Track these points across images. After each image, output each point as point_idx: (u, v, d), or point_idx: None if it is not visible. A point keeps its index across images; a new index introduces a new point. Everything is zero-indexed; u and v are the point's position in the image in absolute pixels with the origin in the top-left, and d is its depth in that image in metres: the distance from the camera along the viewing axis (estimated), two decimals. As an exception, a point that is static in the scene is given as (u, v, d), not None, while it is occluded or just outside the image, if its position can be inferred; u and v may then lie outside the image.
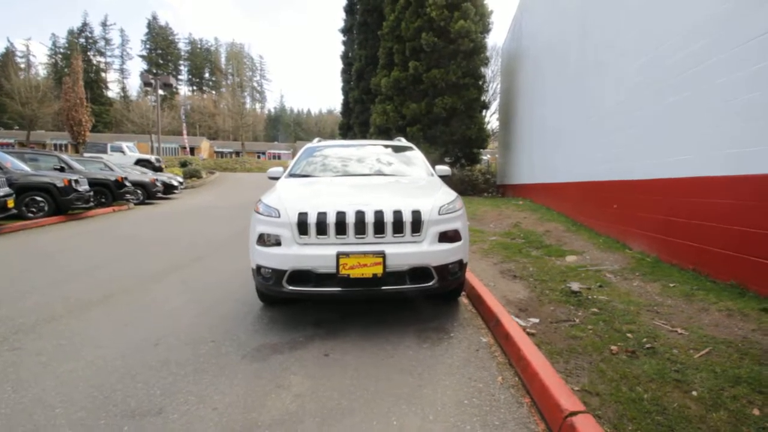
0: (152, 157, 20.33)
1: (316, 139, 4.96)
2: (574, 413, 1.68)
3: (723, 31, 3.48)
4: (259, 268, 2.89)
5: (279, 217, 2.82)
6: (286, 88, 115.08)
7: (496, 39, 35.17)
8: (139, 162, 18.97)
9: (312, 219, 2.74)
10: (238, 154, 53.01)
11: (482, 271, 4.34)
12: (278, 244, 2.80)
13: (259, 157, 56.62)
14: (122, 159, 18.52)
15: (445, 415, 1.91)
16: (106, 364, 2.41)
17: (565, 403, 1.75)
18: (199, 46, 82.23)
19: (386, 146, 4.70)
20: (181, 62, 79.07)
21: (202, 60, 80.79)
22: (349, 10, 20.00)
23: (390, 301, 3.48)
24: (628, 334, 2.65)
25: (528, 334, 2.61)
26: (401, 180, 3.77)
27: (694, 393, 1.94)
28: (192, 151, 49.63)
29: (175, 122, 47.57)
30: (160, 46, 74.32)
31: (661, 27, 4.45)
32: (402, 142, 4.97)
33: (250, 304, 3.48)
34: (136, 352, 2.57)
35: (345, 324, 3.05)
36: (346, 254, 2.65)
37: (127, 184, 11.88)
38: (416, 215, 2.79)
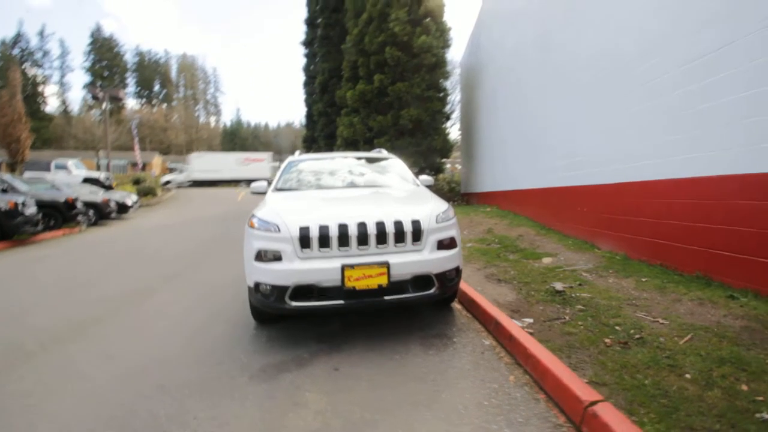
0: (101, 175, 19.07)
1: (297, 152, 4.94)
2: (593, 402, 1.79)
3: (671, 51, 3.89)
4: (257, 285, 2.83)
5: (279, 231, 2.79)
6: (242, 101, 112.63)
7: (453, 53, 36.41)
8: (87, 180, 17.72)
9: (314, 233, 2.73)
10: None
11: (468, 277, 4.47)
12: (278, 259, 2.76)
13: (216, 172, 54.65)
14: (68, 178, 17.23)
15: (469, 417, 1.97)
16: (100, 398, 2.25)
17: (583, 394, 1.86)
18: (147, 57, 78.66)
19: (369, 158, 4.76)
20: (128, 74, 75.20)
21: (151, 72, 77.27)
22: (311, 23, 20.07)
23: (388, 311, 3.50)
24: (617, 327, 2.85)
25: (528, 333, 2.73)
26: (391, 191, 3.84)
27: (688, 375, 2.13)
28: (144, 167, 47.12)
29: (123, 137, 45.01)
30: (105, 58, 70.34)
31: (618, 46, 4.88)
32: (383, 153, 5.04)
33: (243, 325, 3.36)
34: (128, 383, 2.42)
35: (347, 337, 3.04)
36: (351, 266, 2.66)
37: (78, 204, 11.07)
38: (416, 225, 2.86)
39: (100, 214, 12.50)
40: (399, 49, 12.80)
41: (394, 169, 4.46)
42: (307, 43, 20.92)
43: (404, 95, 13.05)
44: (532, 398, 2.11)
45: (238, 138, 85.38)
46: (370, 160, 4.70)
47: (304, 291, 2.71)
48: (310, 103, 21.15)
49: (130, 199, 15.62)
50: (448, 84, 14.68)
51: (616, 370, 2.23)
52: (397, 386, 2.31)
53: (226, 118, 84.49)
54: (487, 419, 1.94)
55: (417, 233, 2.85)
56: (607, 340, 2.65)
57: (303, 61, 21.51)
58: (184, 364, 2.65)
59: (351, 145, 13.96)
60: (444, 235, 2.99)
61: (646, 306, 3.21)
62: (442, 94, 13.84)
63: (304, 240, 2.73)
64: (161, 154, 58.02)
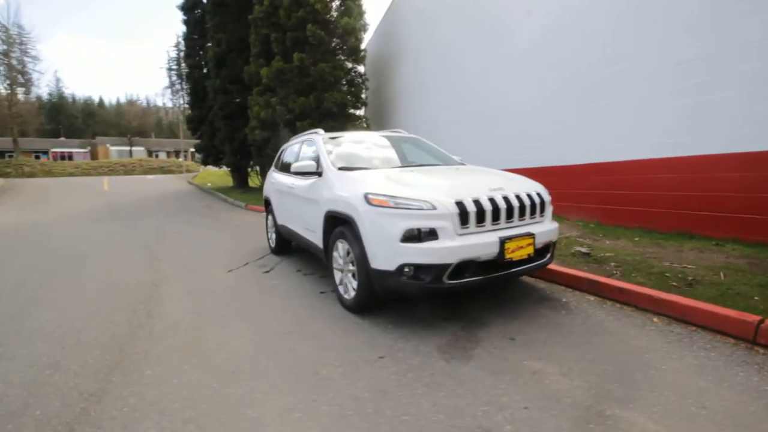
0: None
1: (319, 131, 4.60)
2: (761, 321, 2.35)
3: (648, 55, 4.92)
4: (402, 267, 2.66)
5: (435, 209, 2.66)
6: (64, 71, 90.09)
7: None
8: None
9: (471, 208, 2.71)
10: (3, 155, 39.07)
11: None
12: (434, 237, 2.65)
13: (38, 157, 43.31)
14: None
15: (661, 354, 2.34)
16: None
17: (743, 317, 2.42)
18: None
19: (399, 137, 4.70)
20: None
21: None
22: (191, -15, 17.33)
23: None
24: (666, 274, 3.60)
25: (624, 286, 3.25)
26: (469, 166, 3.95)
27: (756, 298, 2.91)
28: None
29: None
30: None
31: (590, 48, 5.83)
32: (405, 133, 5.00)
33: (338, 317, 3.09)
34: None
35: (477, 313, 3.08)
36: (510, 238, 2.75)
37: None
38: (541, 197, 3.08)
39: None
40: (321, 28, 12.29)
41: (432, 146, 4.54)
42: (188, 7, 18.07)
43: (328, 77, 12.65)
44: (689, 331, 2.61)
45: (64, 116, 68.74)
46: (403, 139, 4.65)
47: (462, 268, 2.68)
48: (195, 78, 18.46)
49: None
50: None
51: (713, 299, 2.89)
52: (581, 343, 2.54)
53: (43, 91, 66.36)
54: (677, 353, 2.34)
55: (543, 205, 3.09)
56: (674, 283, 3.35)
57: (182, 28, 18.45)
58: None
59: (269, 127, 12.94)
60: (551, 207, 3.30)
61: (662, 257, 4.09)
62: (362, 79, 13.86)
63: (464, 216, 2.69)
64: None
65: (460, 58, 9.51)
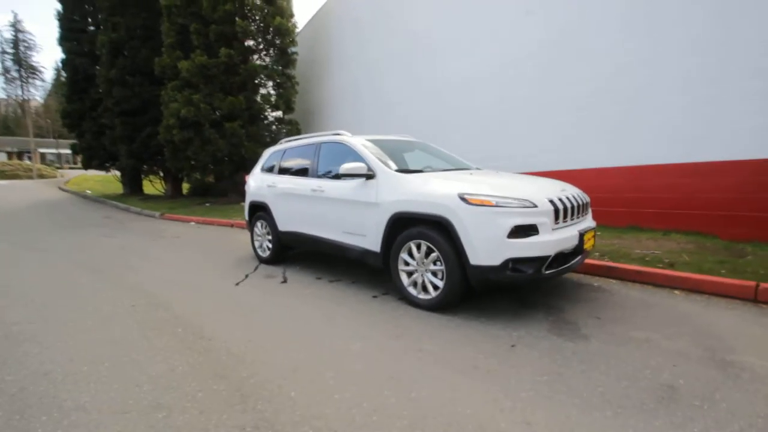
0: None
1: (344, 133, 4.48)
2: (758, 285, 3.20)
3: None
4: (507, 262, 2.89)
5: (536, 207, 2.95)
6: None
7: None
8: None
9: (559, 206, 3.08)
10: None
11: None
12: (536, 232, 2.93)
13: None
14: None
15: (700, 319, 3.03)
16: None
17: (741, 282, 3.26)
18: None
19: (416, 142, 4.86)
20: None
21: None
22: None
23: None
24: (646, 259, 4.50)
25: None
26: (498, 171, 4.31)
27: (723, 271, 3.90)
28: None
29: None
30: None
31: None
32: (410, 137, 5.16)
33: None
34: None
35: (536, 301, 3.45)
36: (586, 231, 3.19)
37: None
38: (586, 197, 3.61)
39: None
40: (253, 24, 11.60)
41: (442, 150, 4.82)
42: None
43: (259, 76, 11.96)
44: (706, 298, 3.38)
45: None
46: (415, 144, 4.82)
47: (556, 259, 3.02)
48: (76, 66, 15.36)
49: None
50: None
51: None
52: (648, 315, 3.09)
53: None
54: (718, 313, 3.06)
55: (588, 204, 3.62)
56: (659, 266, 4.23)
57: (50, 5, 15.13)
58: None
59: (191, 127, 11.61)
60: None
61: (631, 246, 5.04)
62: (292, 82, 13.42)
63: (557, 213, 3.03)
64: None
65: (389, 70, 10.11)
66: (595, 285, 3.89)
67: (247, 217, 5.67)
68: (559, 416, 1.87)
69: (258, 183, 5.41)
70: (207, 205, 12.74)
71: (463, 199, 3.02)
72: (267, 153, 5.60)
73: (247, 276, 4.65)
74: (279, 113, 13.18)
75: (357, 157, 3.97)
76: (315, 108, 13.84)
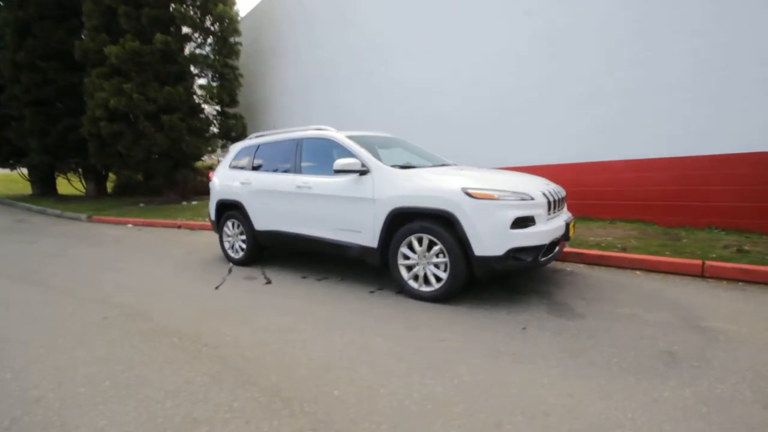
0: None
1: (327, 128, 4.39)
2: (703, 263, 3.77)
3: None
4: (510, 251, 3.08)
5: (533, 199, 3.17)
6: None
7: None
8: None
9: (551, 198, 3.35)
10: None
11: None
12: (533, 223, 3.16)
13: None
14: None
15: (663, 298, 3.51)
16: None
17: (689, 261, 3.82)
18: None
19: (388, 137, 4.89)
20: None
21: None
22: None
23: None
24: (601, 244, 5.04)
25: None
26: (474, 167, 4.50)
27: (685, 240, 4.52)
28: None
29: None
30: None
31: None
32: (386, 133, 5.19)
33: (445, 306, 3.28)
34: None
35: (524, 287, 3.72)
36: (570, 221, 3.50)
37: None
38: (563, 192, 3.95)
39: None
40: (194, 9, 10.77)
41: (419, 147, 4.94)
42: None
43: (201, 66, 11.15)
44: (663, 276, 3.89)
45: None
46: (390, 139, 4.86)
47: (549, 247, 3.28)
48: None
49: None
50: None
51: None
52: (623, 293, 3.48)
53: None
54: (680, 287, 3.55)
55: (565, 198, 3.97)
56: (615, 250, 4.78)
57: None
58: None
59: (121, 119, 10.50)
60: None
61: (585, 234, 5.59)
62: (235, 74, 12.70)
63: (549, 205, 3.29)
64: None
65: (343, 67, 10.07)
66: (568, 270, 4.27)
67: (213, 218, 5.31)
68: (593, 386, 2.06)
69: (227, 180, 5.09)
70: (141, 205, 11.63)
71: (467, 193, 3.14)
72: (235, 148, 5.29)
73: (224, 279, 4.38)
74: (219, 107, 12.41)
75: (347, 153, 3.92)
76: (260, 103, 13.25)
